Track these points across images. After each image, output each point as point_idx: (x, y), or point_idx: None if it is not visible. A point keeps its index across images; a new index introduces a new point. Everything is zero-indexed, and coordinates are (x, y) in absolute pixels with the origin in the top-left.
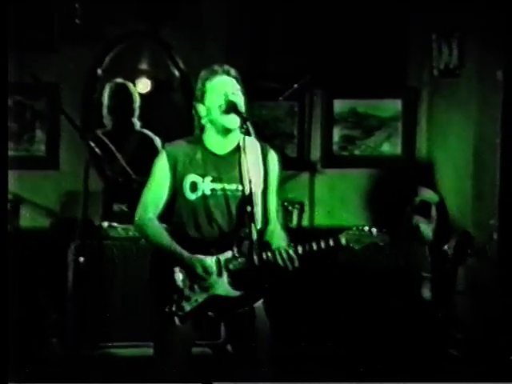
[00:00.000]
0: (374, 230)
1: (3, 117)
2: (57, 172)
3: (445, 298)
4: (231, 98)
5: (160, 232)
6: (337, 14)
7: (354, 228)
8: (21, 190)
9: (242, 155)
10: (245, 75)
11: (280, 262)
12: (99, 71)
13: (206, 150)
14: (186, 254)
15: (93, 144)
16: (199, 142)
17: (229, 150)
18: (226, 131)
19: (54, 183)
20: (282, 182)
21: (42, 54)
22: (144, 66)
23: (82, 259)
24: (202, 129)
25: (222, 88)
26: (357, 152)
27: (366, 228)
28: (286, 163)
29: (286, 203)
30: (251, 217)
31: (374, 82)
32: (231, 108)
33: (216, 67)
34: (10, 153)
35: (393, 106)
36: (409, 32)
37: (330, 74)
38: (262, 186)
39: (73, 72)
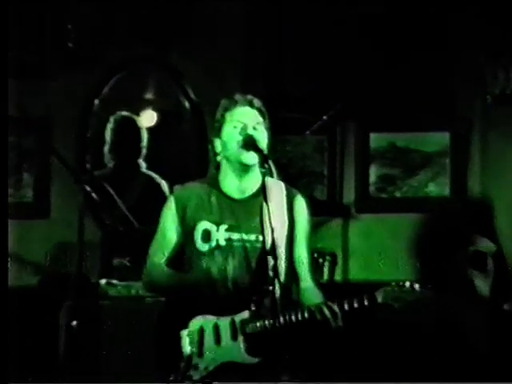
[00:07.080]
0: (417, 286)
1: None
2: (47, 220)
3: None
4: (251, 132)
5: (166, 271)
6: (372, 37)
7: (394, 283)
8: None
9: (264, 200)
10: (265, 106)
11: (320, 318)
12: (96, 102)
13: (221, 194)
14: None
15: (89, 188)
16: (214, 183)
17: (248, 193)
18: (243, 170)
19: (44, 233)
20: (311, 230)
21: (31, 82)
22: (149, 96)
23: (74, 323)
24: (218, 167)
25: (242, 120)
26: (397, 194)
27: (408, 284)
28: (314, 207)
29: (315, 254)
30: (274, 271)
31: (417, 112)
32: (250, 144)
33: (237, 96)
34: None
35: (439, 140)
36: (458, 55)
37: (364, 104)
38: (286, 236)
39: (66, 103)
